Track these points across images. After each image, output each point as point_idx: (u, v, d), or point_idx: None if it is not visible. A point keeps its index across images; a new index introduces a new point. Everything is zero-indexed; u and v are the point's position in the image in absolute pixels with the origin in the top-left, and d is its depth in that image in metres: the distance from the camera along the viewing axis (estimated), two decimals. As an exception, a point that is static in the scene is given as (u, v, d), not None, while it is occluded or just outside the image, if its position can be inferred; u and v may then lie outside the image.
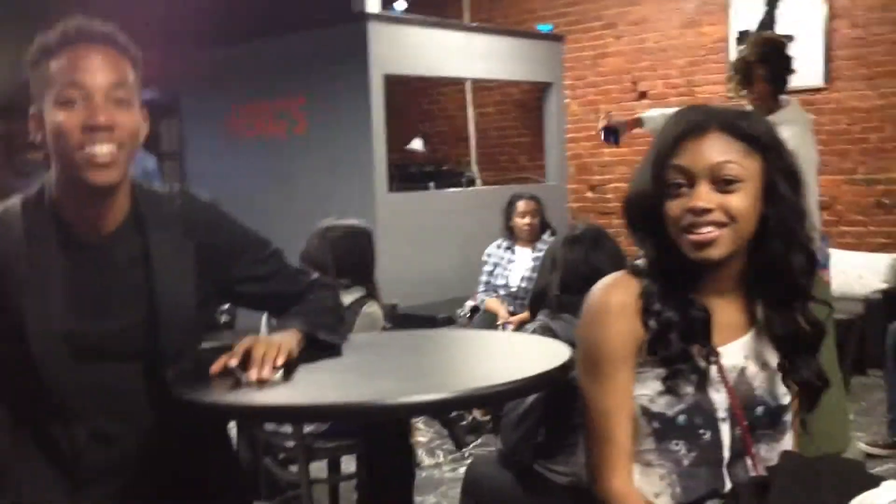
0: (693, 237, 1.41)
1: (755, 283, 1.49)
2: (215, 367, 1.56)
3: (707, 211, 1.40)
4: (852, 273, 5.71)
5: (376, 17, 5.78)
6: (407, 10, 6.29)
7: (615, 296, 1.48)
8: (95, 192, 1.54)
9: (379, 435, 1.67)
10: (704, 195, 1.40)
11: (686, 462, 1.46)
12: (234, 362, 1.55)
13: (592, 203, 7.19)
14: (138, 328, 1.58)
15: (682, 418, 1.44)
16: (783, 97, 3.64)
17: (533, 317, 2.57)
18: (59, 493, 1.56)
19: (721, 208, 1.40)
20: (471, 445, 4.20)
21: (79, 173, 1.50)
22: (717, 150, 1.42)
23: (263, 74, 6.19)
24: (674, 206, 1.42)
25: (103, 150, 1.49)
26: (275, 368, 1.54)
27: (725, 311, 1.49)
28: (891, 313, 4.38)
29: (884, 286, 5.39)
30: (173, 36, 6.28)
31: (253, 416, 1.78)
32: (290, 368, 1.57)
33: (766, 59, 3.55)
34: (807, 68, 5.95)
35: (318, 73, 5.90)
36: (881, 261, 5.70)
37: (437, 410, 3.13)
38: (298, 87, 6.02)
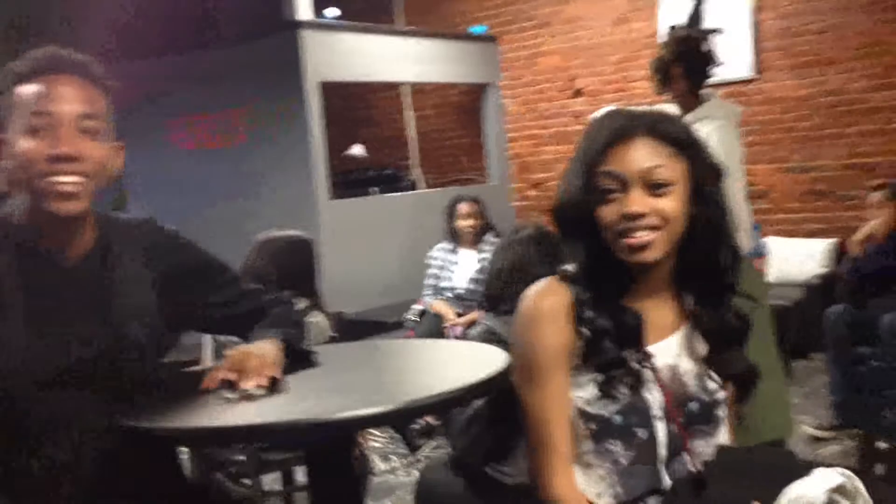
0: (629, 241, 1.43)
1: (684, 280, 1.53)
2: (209, 382, 1.56)
3: (641, 216, 1.42)
4: (791, 259, 5.84)
5: (309, 24, 5.75)
6: (340, 17, 6.26)
7: (546, 302, 1.49)
8: (59, 221, 1.52)
9: (326, 449, 1.66)
10: (638, 200, 1.43)
11: (624, 461, 1.48)
12: (232, 376, 1.54)
13: (536, 201, 7.23)
14: (101, 357, 1.56)
15: (618, 418, 1.46)
16: (704, 92, 3.69)
17: (486, 310, 2.57)
18: None
19: (654, 212, 1.43)
20: (424, 449, 4.20)
21: (42, 202, 1.49)
22: (646, 155, 1.44)
23: (199, 87, 6.10)
24: (607, 212, 1.45)
25: (68, 179, 1.48)
26: (269, 380, 1.54)
27: (657, 310, 1.51)
28: (828, 298, 4.48)
29: (822, 271, 5.52)
30: (104, 49, 6.17)
31: (190, 440, 1.75)
32: (277, 381, 1.57)
33: (682, 57, 3.58)
34: (737, 60, 6.07)
35: (253, 84, 5.84)
36: (818, 246, 5.83)
37: (381, 423, 3.12)
38: (235, 98, 5.95)
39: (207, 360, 3.05)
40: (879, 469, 2.45)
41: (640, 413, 1.46)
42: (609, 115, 1.55)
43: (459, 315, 4.78)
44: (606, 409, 1.45)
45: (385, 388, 1.71)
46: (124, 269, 1.61)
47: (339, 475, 1.73)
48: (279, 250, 3.16)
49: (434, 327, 4.79)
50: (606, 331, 1.46)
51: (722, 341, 1.53)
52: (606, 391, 1.45)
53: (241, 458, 2.91)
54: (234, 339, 3.06)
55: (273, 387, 1.54)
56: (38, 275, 1.55)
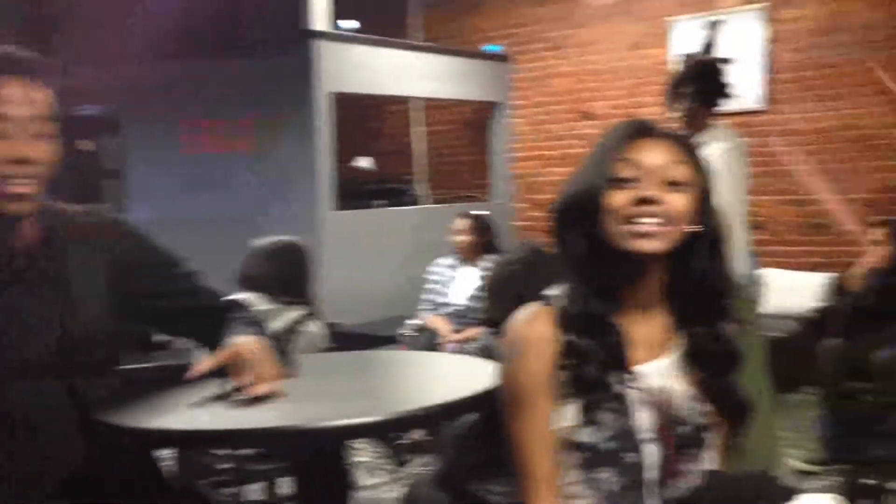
0: (635, 227, 1.42)
1: (679, 304, 1.51)
2: (200, 369, 1.57)
3: (656, 202, 1.42)
4: (788, 291, 5.84)
5: (324, 35, 5.79)
6: (357, 30, 6.31)
7: (532, 330, 1.48)
8: (6, 219, 1.54)
9: (313, 459, 1.67)
10: (656, 188, 1.43)
11: (612, 488, 1.45)
12: (246, 381, 1.55)
13: (539, 222, 7.24)
14: (55, 347, 1.57)
15: (607, 445, 1.44)
16: (713, 120, 3.71)
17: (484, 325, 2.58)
18: None
19: (668, 204, 1.42)
20: (411, 465, 4.20)
21: None
22: (666, 153, 1.46)
23: (210, 92, 6.16)
24: (619, 197, 1.44)
25: (20, 182, 1.51)
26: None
27: (648, 328, 1.50)
28: (823, 331, 4.48)
29: (818, 304, 5.51)
30: (117, 51, 6.22)
31: (178, 442, 1.76)
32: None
33: (696, 78, 3.62)
34: (747, 91, 6.11)
35: (265, 91, 5.89)
36: (816, 279, 5.82)
37: (368, 434, 3.13)
38: (246, 104, 5.99)
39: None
40: (865, 505, 2.47)
41: (629, 436, 1.45)
42: (628, 120, 1.55)
43: (456, 332, 4.79)
44: (595, 437, 1.44)
45: (375, 399, 1.72)
46: (72, 257, 1.61)
47: (328, 486, 1.74)
48: (276, 257, 3.18)
49: (430, 343, 4.79)
50: (589, 351, 1.44)
51: (715, 368, 1.52)
52: (589, 417, 1.43)
53: (226, 465, 2.91)
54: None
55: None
56: None
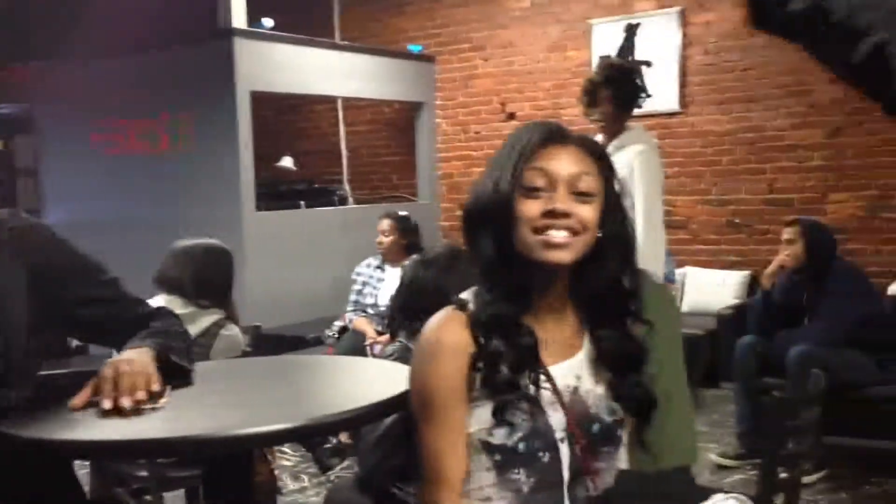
0: (547, 238, 1.44)
1: (587, 303, 1.54)
2: (77, 402, 1.51)
3: (566, 215, 1.44)
4: (706, 290, 5.98)
5: (243, 33, 5.71)
6: (275, 28, 6.23)
7: (445, 334, 1.48)
8: None
9: (220, 467, 1.64)
10: (565, 200, 1.44)
11: (526, 489, 1.46)
12: (107, 404, 1.49)
13: (466, 201, 7.26)
14: None
15: (522, 445, 1.45)
16: (629, 123, 3.78)
17: (394, 338, 2.57)
18: None
19: (576, 216, 1.45)
20: (336, 469, 4.17)
21: None
22: (577, 161, 1.47)
23: (126, 90, 6.01)
24: (530, 206, 1.45)
25: None
26: (150, 395, 1.51)
27: (558, 330, 1.52)
28: (740, 328, 4.60)
29: (735, 302, 5.66)
30: (30, 49, 6.04)
31: (82, 453, 1.72)
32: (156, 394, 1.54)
33: (611, 81, 3.68)
34: (664, 93, 6.23)
35: (183, 90, 5.77)
36: (733, 278, 5.98)
37: (277, 442, 3.10)
38: (163, 103, 5.87)
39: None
40: (780, 499, 2.53)
41: (543, 436, 1.46)
42: (539, 122, 1.56)
43: (380, 333, 4.77)
44: (509, 439, 1.44)
45: (288, 405, 1.70)
46: None
47: (236, 492, 1.71)
48: (195, 259, 3.11)
49: (355, 344, 4.77)
50: (501, 353, 1.44)
51: (622, 366, 1.54)
52: (502, 418, 1.44)
53: (144, 473, 2.85)
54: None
55: (153, 399, 1.52)
56: None
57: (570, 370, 1.52)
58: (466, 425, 1.46)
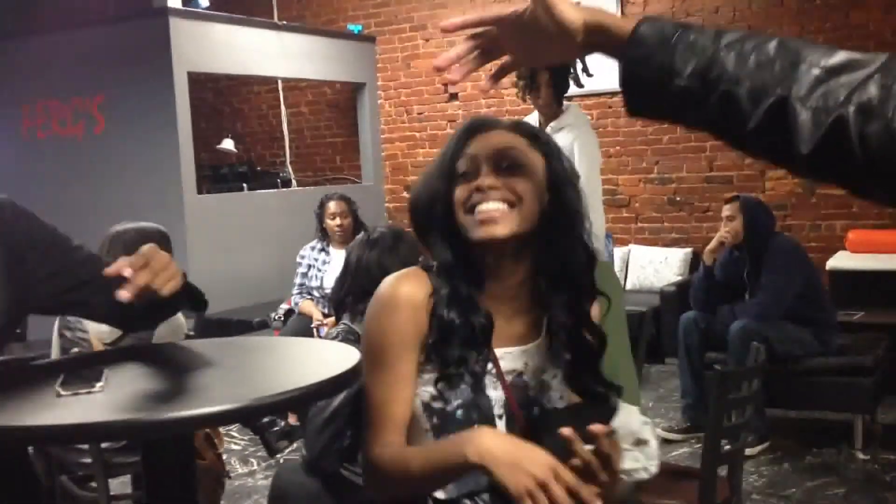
0: (478, 215, 1.44)
1: (542, 291, 1.53)
2: (111, 271, 1.45)
3: (492, 188, 1.44)
4: (649, 267, 6.06)
5: (178, 12, 5.60)
6: (210, 7, 6.11)
7: (405, 288, 1.49)
8: None
9: (158, 452, 1.60)
10: (489, 175, 1.46)
11: None
12: (127, 272, 1.42)
13: (408, 203, 7.25)
14: None
15: (460, 413, 1.46)
16: (565, 103, 3.80)
17: (338, 320, 2.55)
18: None
19: (506, 187, 1.45)
20: (284, 452, 4.14)
21: None
22: (501, 139, 1.49)
23: (58, 71, 5.85)
24: (461, 191, 1.47)
25: None
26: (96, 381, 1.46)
27: (513, 319, 1.52)
28: (683, 305, 4.66)
29: (678, 279, 5.74)
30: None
31: (14, 440, 1.66)
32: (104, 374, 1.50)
33: (550, 65, 3.68)
34: (605, 72, 6.25)
35: (117, 71, 5.63)
36: (675, 255, 6.06)
37: (224, 422, 3.05)
38: (96, 84, 5.73)
39: (55, 355, 2.92)
40: (723, 470, 2.58)
41: (481, 409, 1.47)
42: (472, 117, 1.59)
43: (326, 316, 4.74)
44: (448, 405, 1.46)
45: (234, 385, 1.67)
46: None
47: (177, 477, 1.67)
48: (133, 243, 3.01)
49: (301, 327, 4.72)
50: (456, 327, 1.45)
51: (577, 357, 1.54)
52: (445, 388, 1.45)
53: (87, 460, 2.79)
54: (81, 333, 2.91)
55: (97, 382, 1.48)
56: None
57: (520, 356, 1.53)
58: (414, 381, 1.47)
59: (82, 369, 1.57)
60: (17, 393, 1.52)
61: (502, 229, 1.44)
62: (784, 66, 0.90)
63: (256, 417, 3.14)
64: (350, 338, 2.28)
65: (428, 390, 1.47)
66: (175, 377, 1.69)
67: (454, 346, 1.45)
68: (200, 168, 5.76)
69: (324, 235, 5.03)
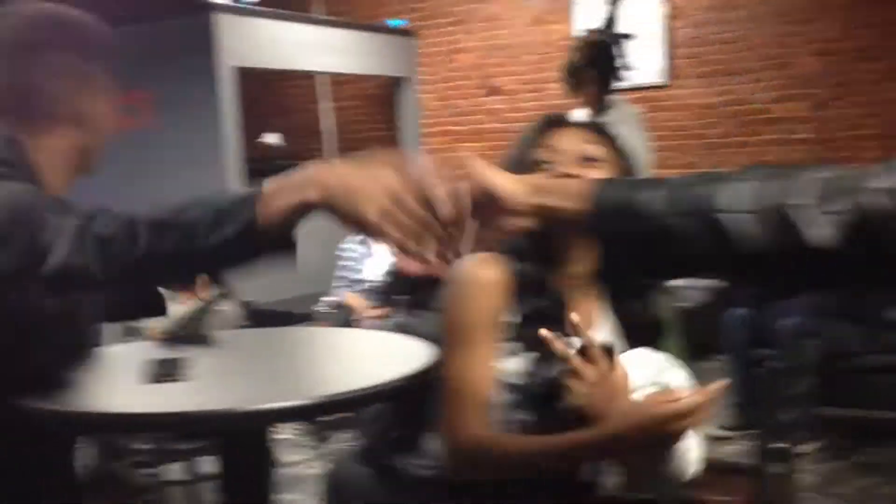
0: None
1: (607, 279, 1.60)
2: None
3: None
4: (694, 262, 5.99)
5: (224, 7, 5.63)
6: (257, 3, 6.15)
7: (483, 273, 1.54)
8: None
9: (237, 438, 1.62)
10: (572, 164, 1.53)
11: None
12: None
13: (448, 197, 7.23)
14: None
15: (534, 390, 1.50)
16: (612, 97, 3.77)
17: (387, 312, 2.56)
18: None
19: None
20: (333, 441, 4.17)
21: None
22: (578, 138, 1.58)
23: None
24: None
25: None
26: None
27: (582, 302, 1.57)
28: (729, 300, 4.62)
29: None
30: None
31: (98, 427, 1.68)
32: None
33: (594, 61, 3.66)
34: (649, 66, 6.21)
35: (164, 66, 5.67)
36: (721, 251, 5.99)
37: (298, 417, 3.07)
38: (144, 80, 5.75)
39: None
40: (775, 469, 2.55)
41: (556, 387, 1.48)
42: (543, 114, 1.68)
43: (371, 308, 4.75)
44: (524, 381, 1.50)
45: (304, 380, 1.68)
46: None
47: (251, 464, 1.69)
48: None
49: (344, 320, 4.74)
50: (537, 310, 1.50)
51: (636, 342, 1.58)
52: (523, 364, 1.49)
53: (144, 447, 2.82)
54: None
55: (179, 370, 1.49)
56: None
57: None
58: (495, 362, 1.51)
59: (164, 358, 1.58)
60: (105, 379, 1.53)
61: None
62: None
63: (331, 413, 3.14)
64: (402, 330, 2.29)
65: (503, 365, 1.51)
66: (251, 367, 1.70)
67: (530, 328, 1.49)
68: (245, 162, 5.80)
69: (367, 229, 5.04)
